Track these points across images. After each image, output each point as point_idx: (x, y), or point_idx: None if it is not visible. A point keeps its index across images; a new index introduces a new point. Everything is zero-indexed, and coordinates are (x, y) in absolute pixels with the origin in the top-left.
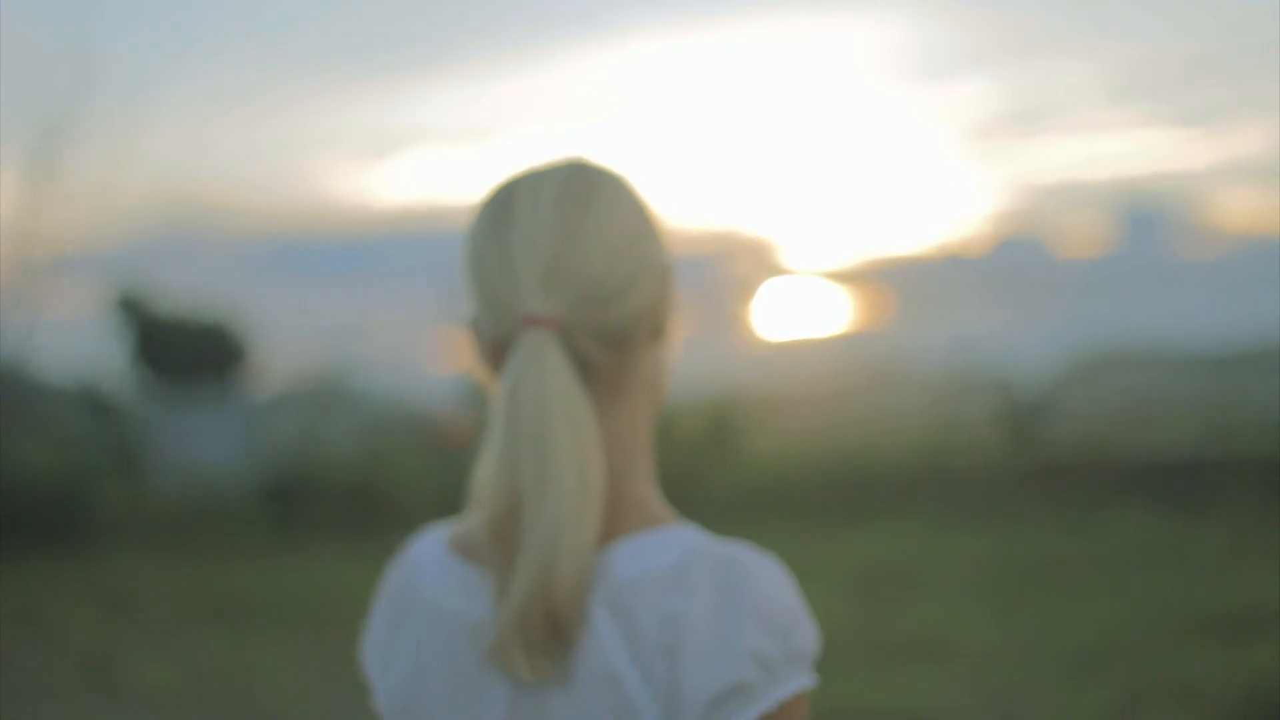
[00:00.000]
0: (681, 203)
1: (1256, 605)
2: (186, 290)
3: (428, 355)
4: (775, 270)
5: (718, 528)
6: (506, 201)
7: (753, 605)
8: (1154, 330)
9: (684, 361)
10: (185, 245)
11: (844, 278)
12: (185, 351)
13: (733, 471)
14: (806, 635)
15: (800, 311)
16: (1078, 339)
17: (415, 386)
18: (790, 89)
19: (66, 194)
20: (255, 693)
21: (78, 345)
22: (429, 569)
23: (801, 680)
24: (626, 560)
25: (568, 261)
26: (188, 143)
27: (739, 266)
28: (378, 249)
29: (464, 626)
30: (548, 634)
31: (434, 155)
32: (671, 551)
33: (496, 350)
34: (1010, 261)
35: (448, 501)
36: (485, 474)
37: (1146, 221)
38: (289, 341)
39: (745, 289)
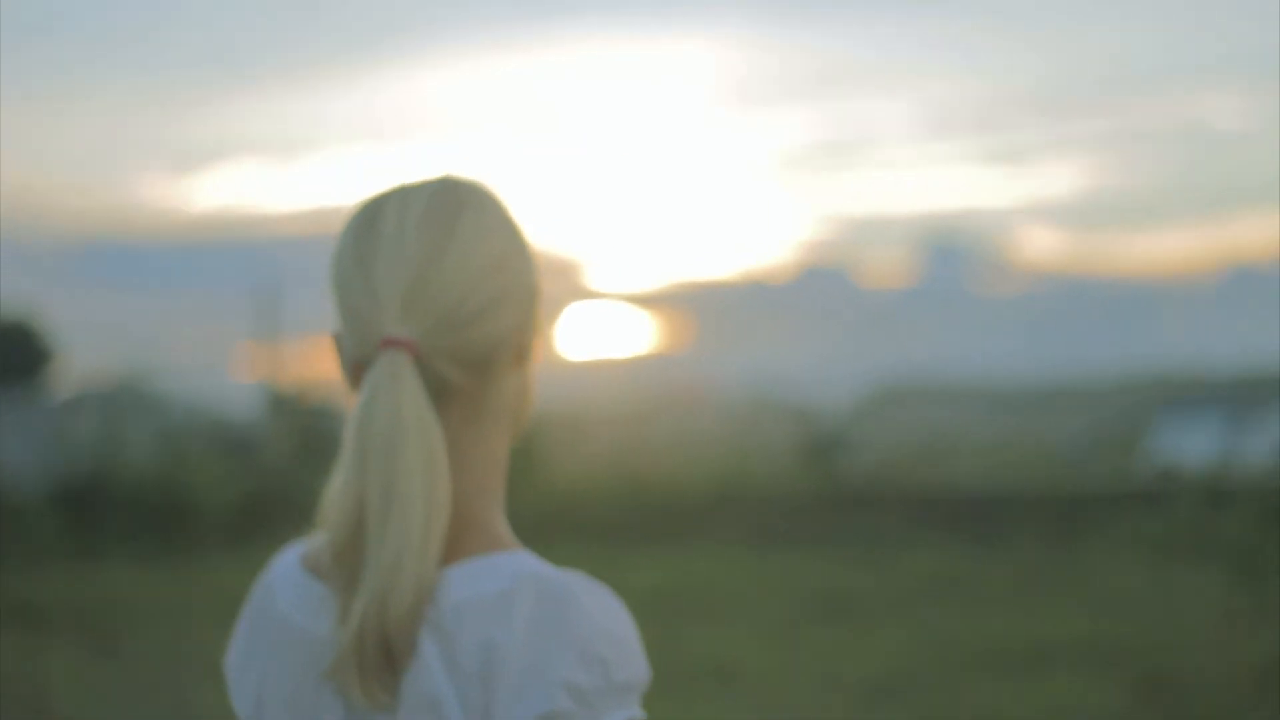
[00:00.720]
0: None
1: (1047, 639)
2: None
3: (229, 363)
4: (580, 291)
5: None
6: (372, 219)
7: (573, 635)
8: (953, 364)
9: None
10: None
11: (647, 300)
12: None
13: (533, 492)
14: (632, 668)
15: (603, 332)
16: (877, 370)
17: (216, 393)
18: (606, 110)
19: None
20: (48, 696)
21: None
22: (283, 583)
23: (624, 713)
24: (457, 584)
25: (429, 284)
26: (2, 143)
27: (543, 286)
28: (184, 256)
29: (308, 644)
30: (381, 659)
31: (244, 166)
32: (500, 577)
33: (357, 369)
34: (814, 291)
35: (246, 509)
36: (333, 493)
37: (949, 256)
38: (91, 344)
39: (549, 308)
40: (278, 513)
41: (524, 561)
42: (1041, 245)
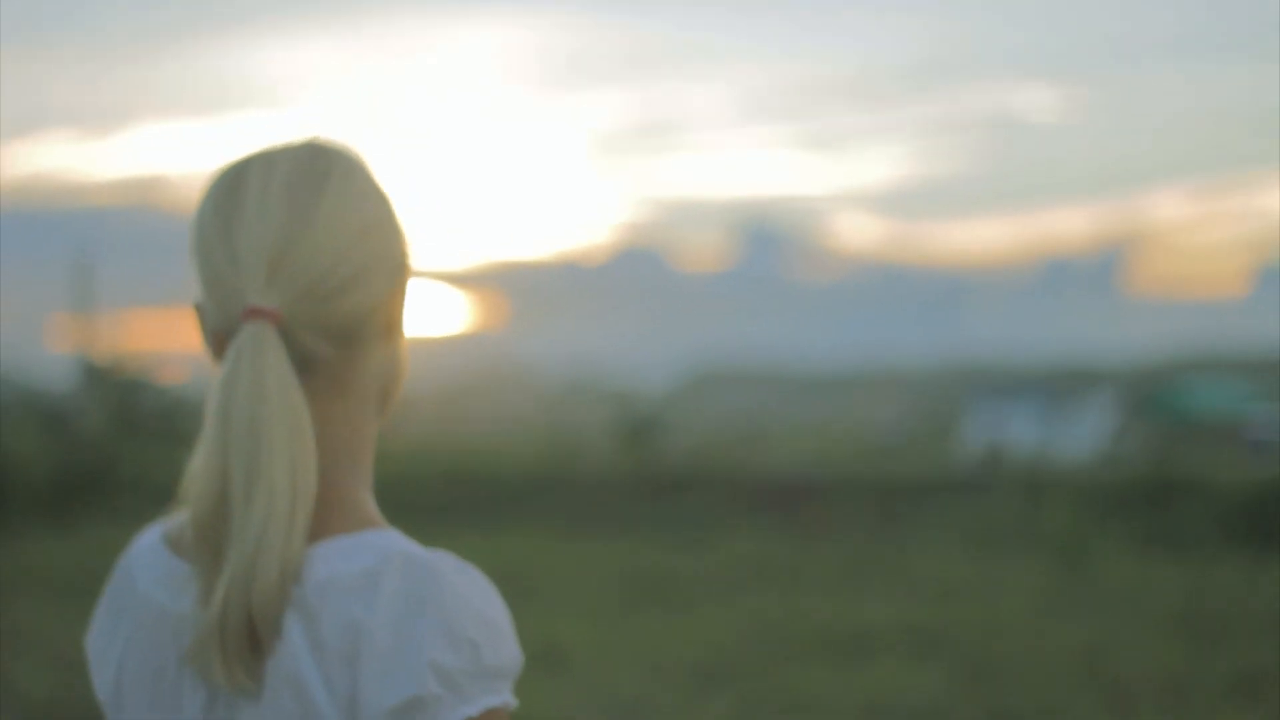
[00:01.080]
0: None
1: (868, 625)
2: None
3: (45, 335)
4: None
5: None
6: (235, 184)
7: (440, 617)
8: (768, 349)
9: None
10: None
11: (462, 279)
12: None
13: None
14: (503, 651)
15: (421, 311)
16: (693, 353)
17: (31, 365)
18: (420, 89)
19: None
20: None
21: None
22: (144, 561)
23: (494, 699)
24: (322, 562)
25: (293, 252)
26: None
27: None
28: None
29: (170, 623)
30: (244, 641)
31: (58, 136)
32: (366, 556)
33: (219, 339)
34: (629, 273)
35: (61, 481)
36: (194, 469)
37: (766, 241)
38: None
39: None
40: (93, 485)
41: (392, 540)
42: (857, 233)
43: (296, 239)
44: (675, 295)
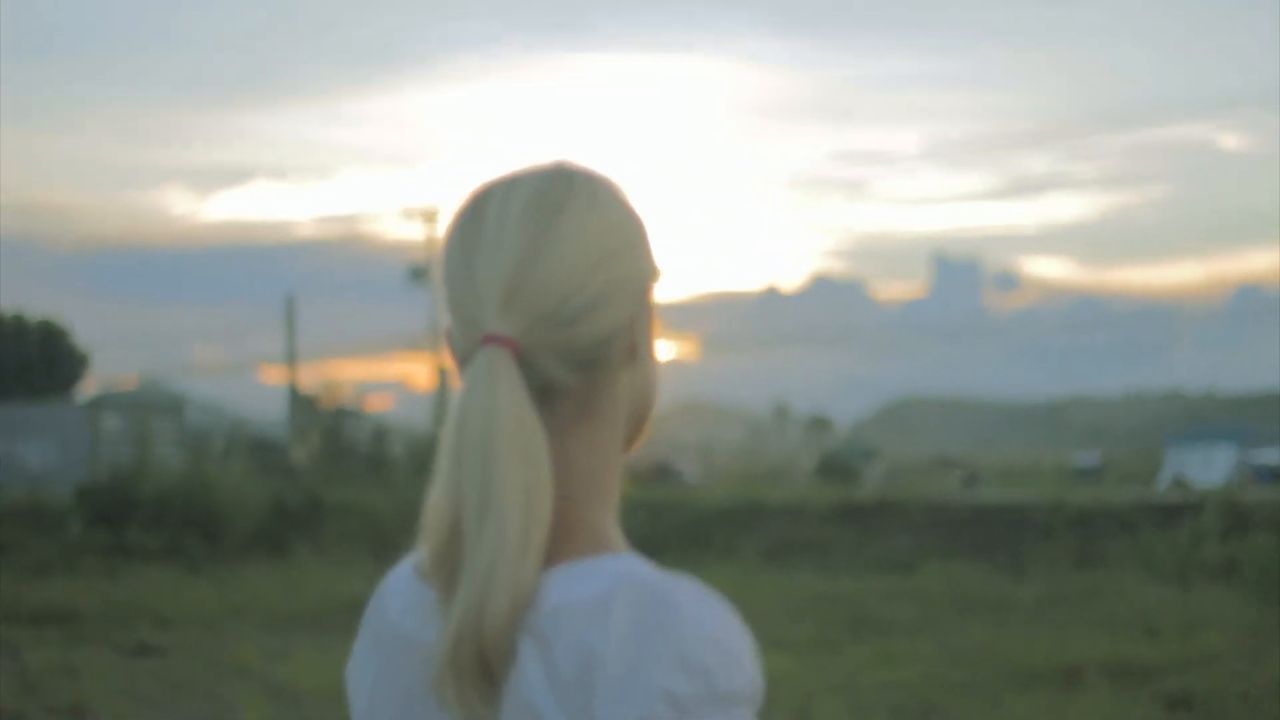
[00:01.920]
0: None
1: (1072, 657)
2: (17, 295)
3: (255, 370)
4: None
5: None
6: (477, 209)
7: (671, 642)
8: (964, 381)
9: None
10: (17, 251)
11: (665, 312)
12: (12, 354)
13: None
14: (737, 677)
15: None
16: (890, 385)
17: (240, 397)
18: (616, 128)
19: None
20: (81, 697)
21: None
22: (396, 589)
23: None
24: (557, 588)
25: (531, 278)
26: (26, 152)
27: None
28: (207, 263)
29: (417, 652)
30: (478, 670)
31: (266, 177)
32: (600, 581)
33: (464, 366)
34: (827, 305)
35: (271, 512)
36: (430, 497)
37: (962, 274)
38: (116, 348)
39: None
40: (304, 515)
41: (627, 564)
42: (1053, 268)
43: (534, 264)
44: (872, 327)
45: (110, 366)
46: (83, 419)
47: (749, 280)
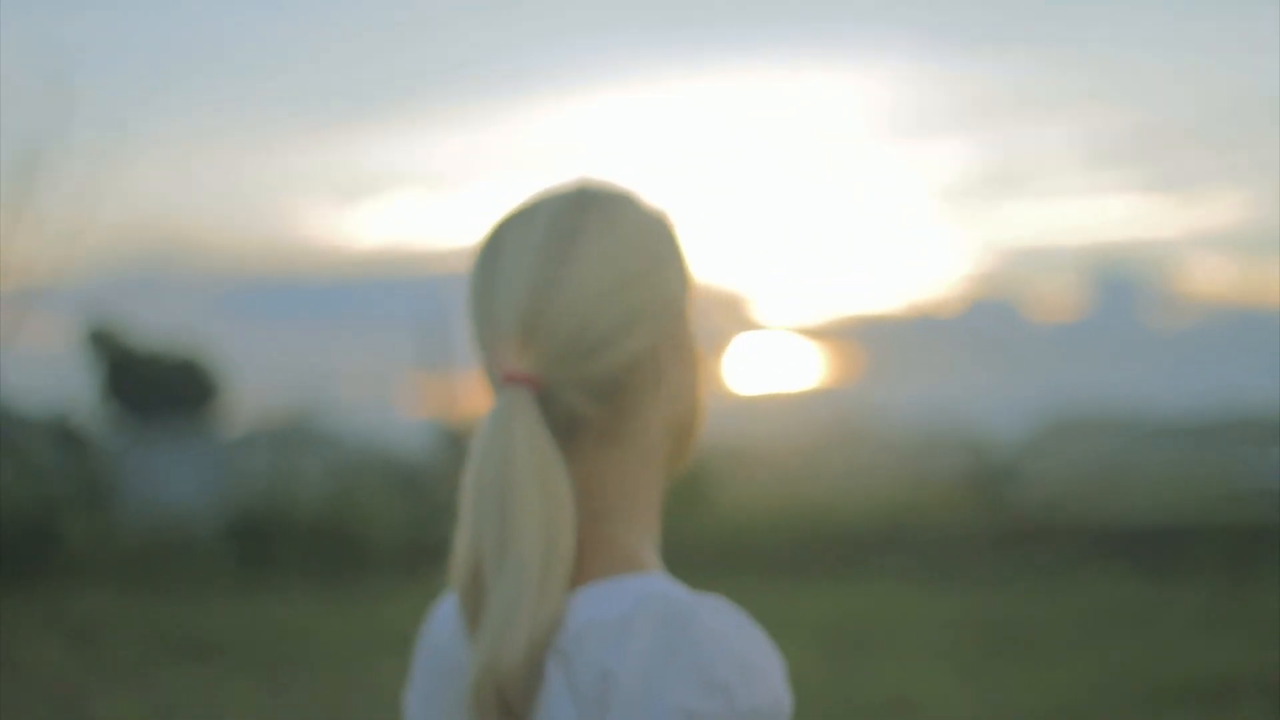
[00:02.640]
0: None
1: (1227, 672)
2: (159, 326)
3: (398, 398)
4: (747, 324)
5: (684, 582)
6: (497, 241)
7: (691, 661)
8: (1123, 396)
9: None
10: (159, 281)
11: (815, 334)
12: (156, 387)
13: (702, 526)
14: (761, 694)
15: (771, 366)
16: (1047, 402)
17: (385, 429)
18: (765, 143)
19: (42, 226)
20: None
21: (49, 378)
22: (445, 616)
23: None
24: (582, 608)
25: (547, 312)
26: (165, 179)
27: (710, 320)
28: (350, 291)
29: (462, 676)
30: (498, 707)
31: (407, 199)
32: (622, 601)
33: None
34: (982, 323)
35: (416, 544)
36: (455, 539)
37: (1118, 287)
38: (260, 380)
39: (716, 342)
40: (448, 548)
41: (652, 584)
42: (1211, 275)
43: (549, 296)
44: (1028, 344)
45: (252, 397)
46: (229, 451)
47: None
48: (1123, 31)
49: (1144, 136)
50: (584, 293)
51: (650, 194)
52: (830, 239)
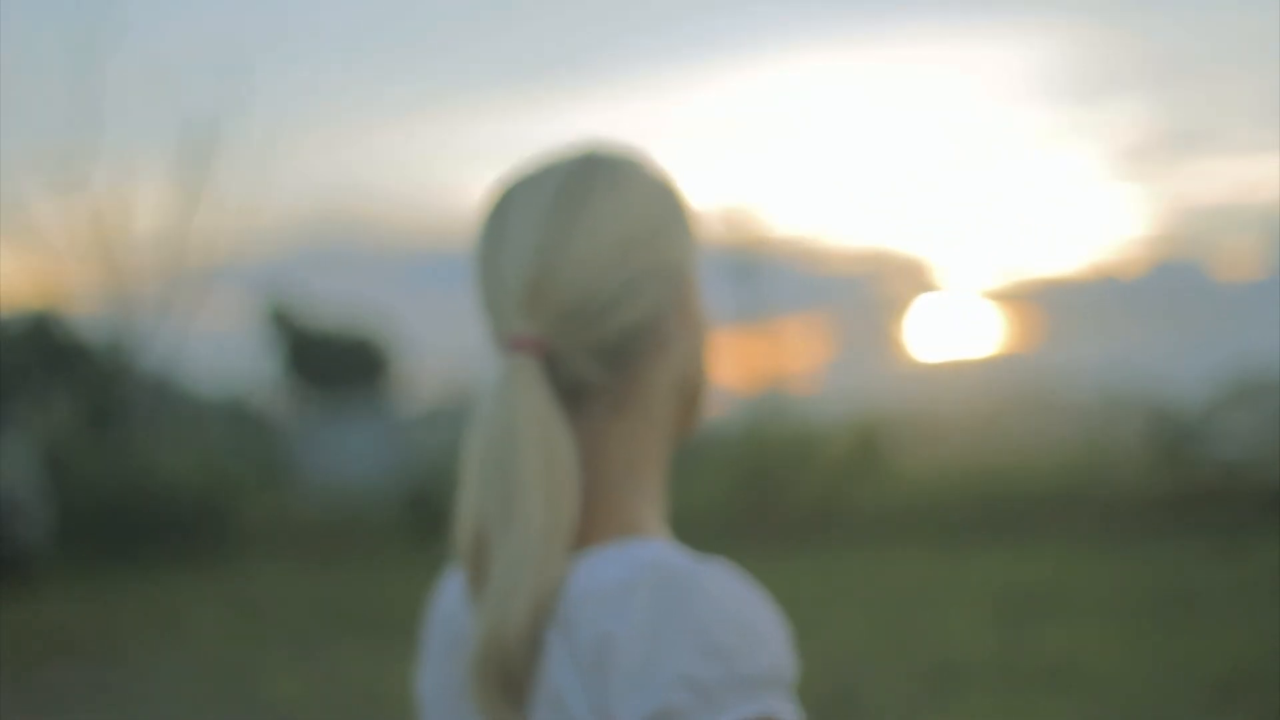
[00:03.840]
0: (833, 223)
1: None
2: (336, 303)
3: None
4: (928, 289)
5: (862, 548)
6: (504, 205)
7: (690, 625)
8: None
9: (833, 380)
10: (336, 258)
11: (997, 298)
12: (334, 364)
13: (880, 491)
14: (762, 659)
15: (952, 331)
16: (1232, 363)
17: None
18: (943, 110)
19: (217, 206)
20: (385, 705)
21: (227, 357)
22: (452, 586)
23: (752, 707)
24: (583, 574)
25: (552, 276)
26: (341, 156)
27: (891, 286)
28: None
29: (468, 646)
30: (502, 675)
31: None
32: (623, 567)
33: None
34: (1165, 284)
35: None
36: (459, 506)
37: None
38: (437, 356)
39: (898, 308)
40: None
41: (653, 550)
42: None
43: (555, 261)
44: (1213, 305)
45: (434, 373)
46: (405, 427)
47: (1082, 263)
48: None
49: None
50: (591, 257)
51: (831, 162)
52: (1010, 203)
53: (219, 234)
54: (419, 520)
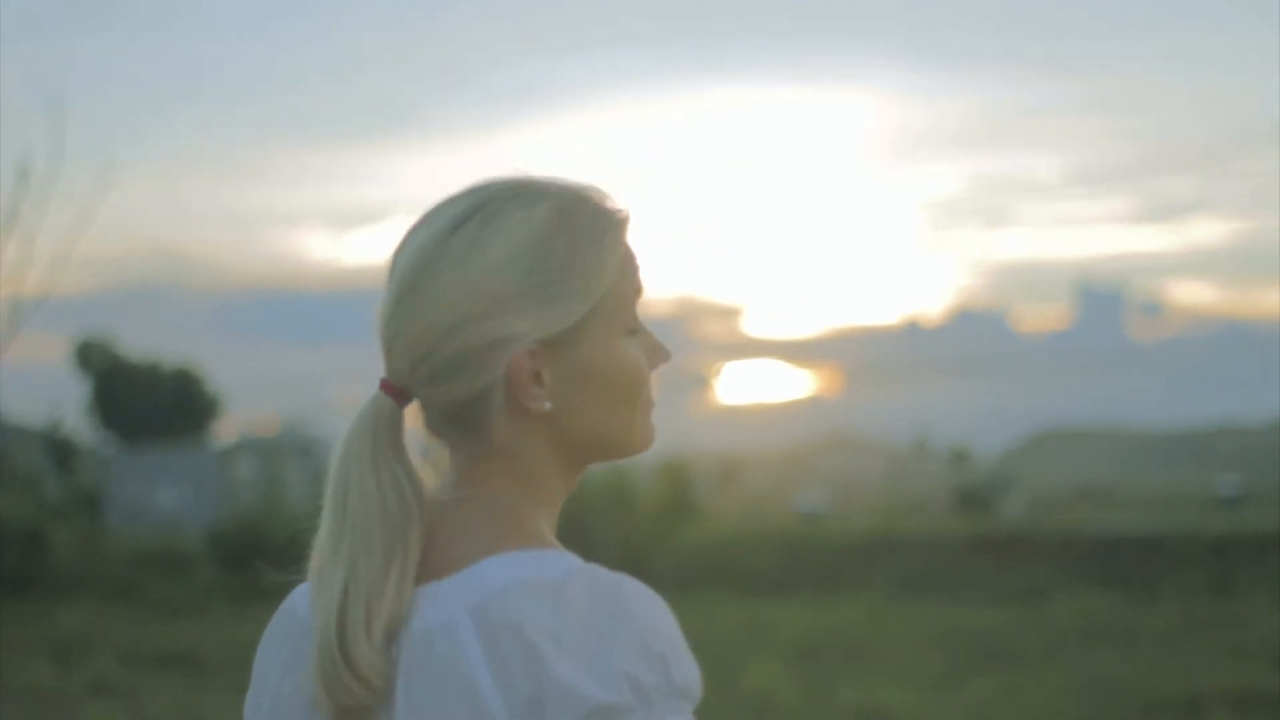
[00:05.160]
0: (646, 268)
1: (1204, 687)
2: (152, 341)
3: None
4: (738, 336)
5: (671, 593)
6: (400, 243)
7: (632, 629)
8: (1107, 409)
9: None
10: (154, 297)
11: (805, 346)
12: (147, 399)
13: (690, 535)
14: (689, 673)
15: (761, 377)
16: (1032, 415)
17: None
18: (760, 162)
19: (35, 241)
20: None
21: (41, 390)
22: (302, 600)
23: (679, 718)
24: (499, 571)
25: (398, 334)
26: (161, 198)
27: (702, 330)
28: (343, 310)
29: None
30: (340, 687)
31: (401, 220)
32: (550, 568)
33: None
34: (968, 336)
35: None
36: (320, 527)
37: (1103, 303)
38: (251, 394)
39: (708, 353)
40: None
41: (573, 559)
42: (1195, 293)
43: (401, 321)
44: (1014, 357)
45: (247, 410)
46: (217, 463)
47: (890, 313)
48: (1111, 55)
49: (1130, 159)
50: (426, 325)
51: (643, 208)
52: (822, 254)
53: (35, 268)
54: (231, 554)
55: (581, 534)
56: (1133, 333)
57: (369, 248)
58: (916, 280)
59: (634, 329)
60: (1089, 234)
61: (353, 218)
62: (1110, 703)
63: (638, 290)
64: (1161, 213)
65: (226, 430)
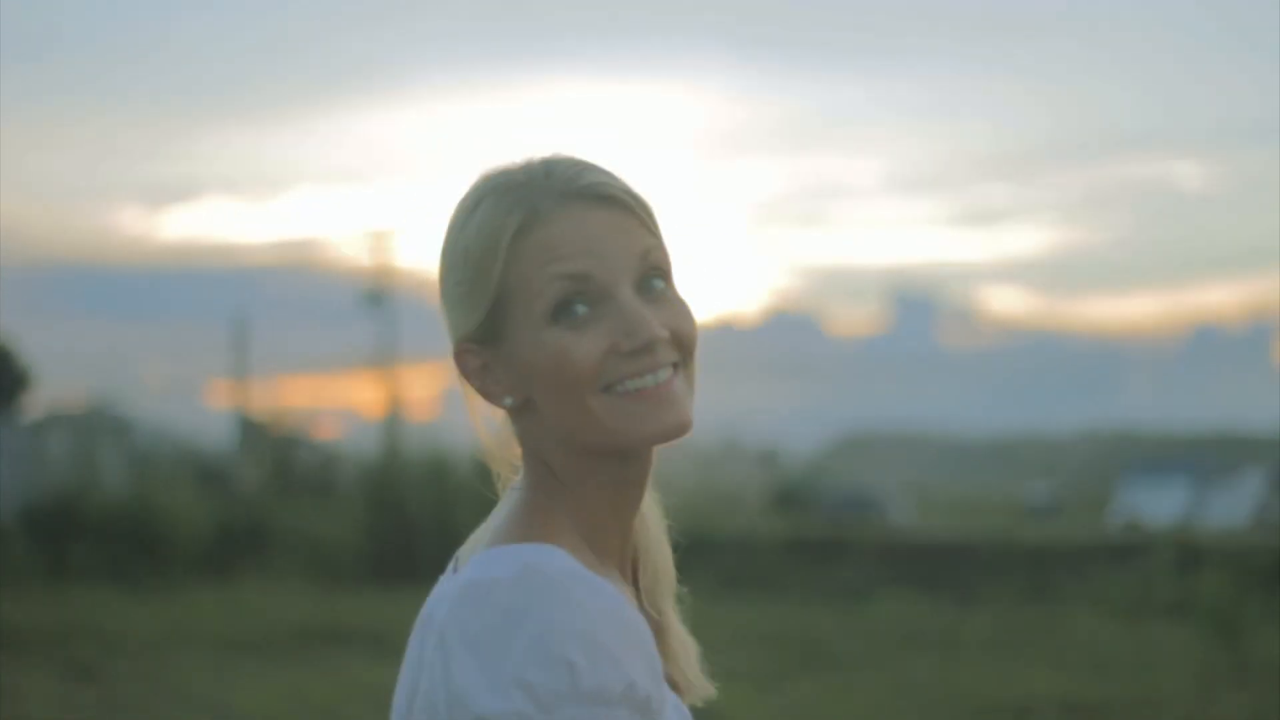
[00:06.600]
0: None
1: (1021, 695)
2: None
3: (204, 392)
4: None
5: None
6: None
7: (537, 633)
8: (918, 415)
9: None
10: None
11: None
12: None
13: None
14: (608, 675)
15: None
16: (844, 419)
17: (190, 422)
18: (581, 154)
19: None
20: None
21: None
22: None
23: None
24: (469, 569)
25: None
26: None
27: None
28: (160, 286)
29: None
30: None
31: (221, 200)
32: (503, 566)
33: None
34: (781, 337)
35: (219, 537)
36: None
37: (917, 309)
38: (65, 370)
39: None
40: (249, 540)
41: (540, 553)
42: (1009, 302)
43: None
44: (827, 360)
45: (57, 386)
46: (26, 438)
47: (704, 312)
48: (931, 60)
49: (949, 165)
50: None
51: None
52: None
53: None
54: (38, 529)
55: (402, 524)
56: (945, 339)
57: (183, 225)
58: (733, 281)
59: (565, 315)
60: (905, 239)
61: (168, 194)
62: (938, 708)
63: (558, 276)
64: (977, 220)
65: (38, 404)
